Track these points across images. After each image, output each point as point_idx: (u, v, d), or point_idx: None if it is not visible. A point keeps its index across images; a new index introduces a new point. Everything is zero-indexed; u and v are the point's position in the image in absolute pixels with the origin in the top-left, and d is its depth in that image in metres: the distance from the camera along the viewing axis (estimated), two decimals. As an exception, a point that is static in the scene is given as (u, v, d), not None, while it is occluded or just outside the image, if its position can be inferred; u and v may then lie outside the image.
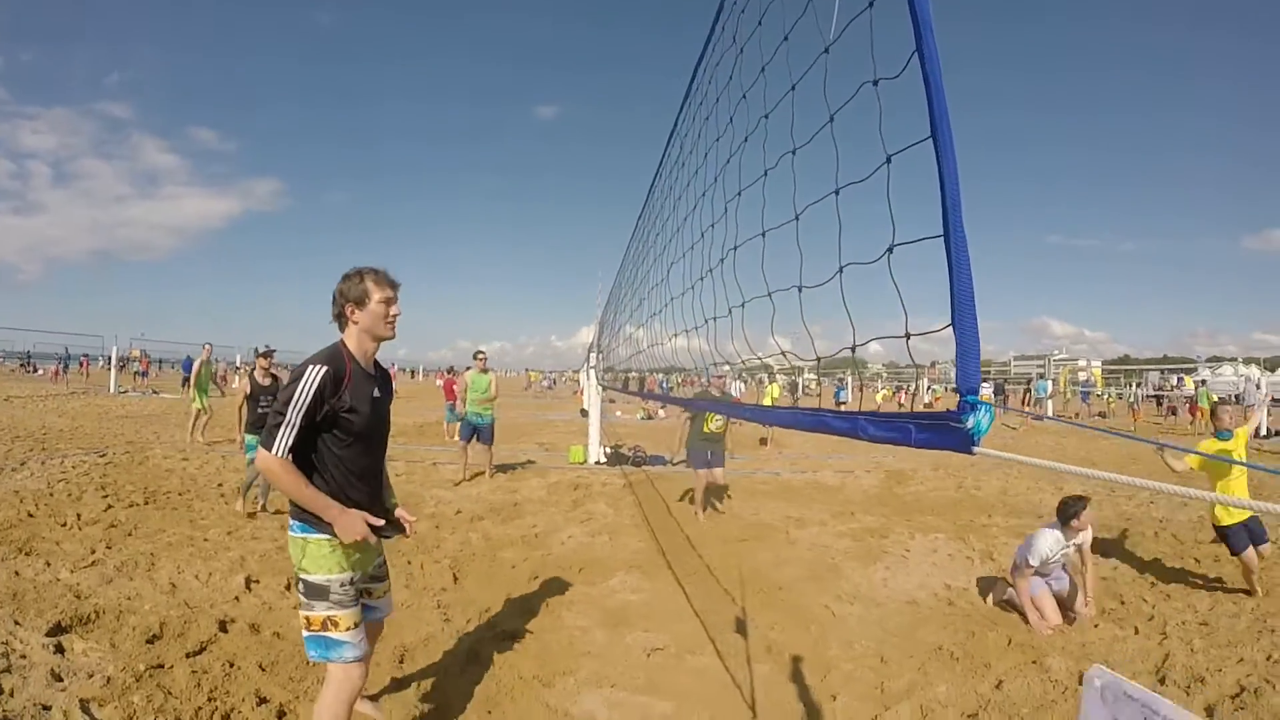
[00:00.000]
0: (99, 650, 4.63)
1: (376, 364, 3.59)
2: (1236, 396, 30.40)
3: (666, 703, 4.48)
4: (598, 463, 14.74)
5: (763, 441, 19.33)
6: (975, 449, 1.60)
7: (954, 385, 1.65)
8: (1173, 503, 10.66)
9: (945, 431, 1.69)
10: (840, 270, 2.33)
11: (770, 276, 2.93)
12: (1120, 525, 9.52)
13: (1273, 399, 35.04)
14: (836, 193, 2.39)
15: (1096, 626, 5.97)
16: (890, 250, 2.01)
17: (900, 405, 32.50)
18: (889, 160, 2.08)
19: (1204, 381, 35.47)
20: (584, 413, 20.95)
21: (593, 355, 16.70)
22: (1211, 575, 7.39)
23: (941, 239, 1.67)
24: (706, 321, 4.06)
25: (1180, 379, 55.63)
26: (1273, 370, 52.92)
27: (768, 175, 3.02)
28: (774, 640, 5.48)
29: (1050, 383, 44.18)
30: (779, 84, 2.89)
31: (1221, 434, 7.03)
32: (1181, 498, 1.88)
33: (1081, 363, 74.99)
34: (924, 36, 1.75)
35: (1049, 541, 6.05)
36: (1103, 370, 67.30)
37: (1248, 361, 63.21)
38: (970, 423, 1.61)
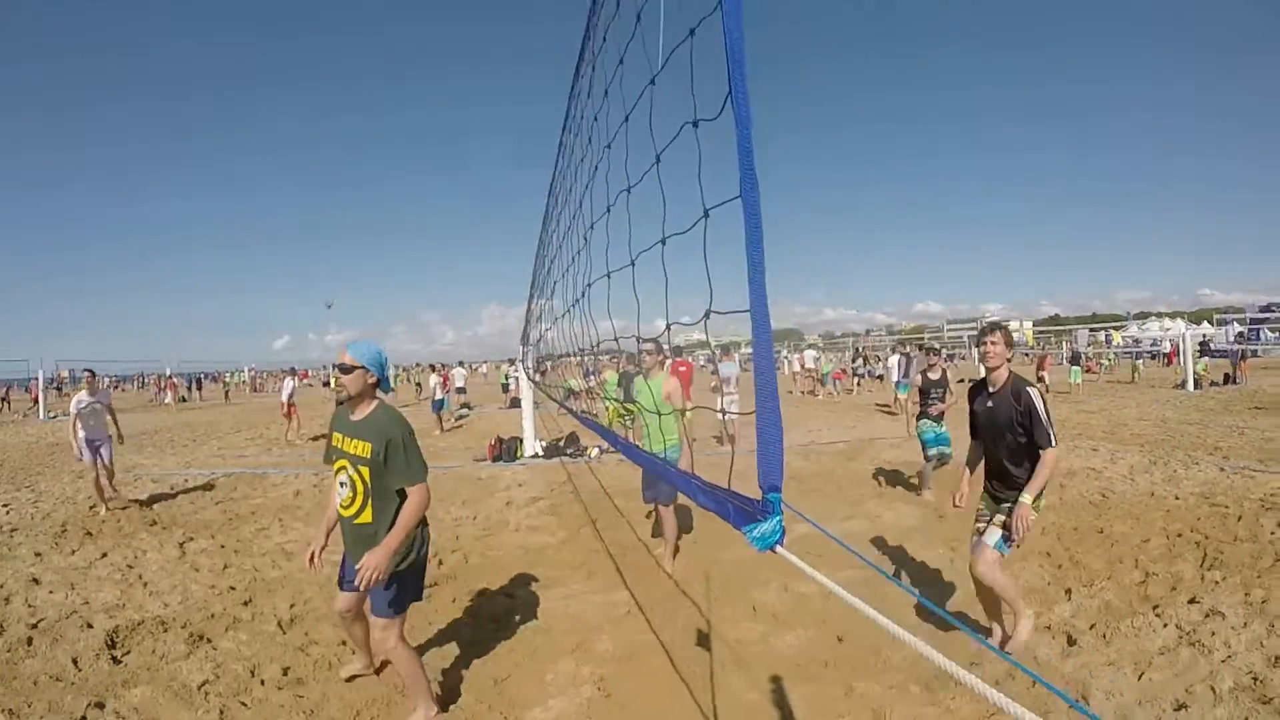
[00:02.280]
0: None
1: None
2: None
3: None
4: (534, 456, 14.61)
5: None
6: (778, 549, 1.59)
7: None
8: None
9: (751, 521, 1.65)
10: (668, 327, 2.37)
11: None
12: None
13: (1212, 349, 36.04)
14: (663, 242, 2.46)
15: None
16: (707, 314, 2.06)
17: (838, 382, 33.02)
18: (706, 214, 2.11)
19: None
20: (515, 402, 21.20)
21: (521, 347, 16.61)
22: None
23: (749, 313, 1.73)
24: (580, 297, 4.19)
25: (1109, 335, 57.22)
26: (1198, 323, 54.34)
27: (610, 211, 3.09)
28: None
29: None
30: (618, 109, 3.04)
31: None
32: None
33: (1014, 323, 76.80)
34: (736, 83, 1.74)
35: None
36: (1034, 330, 69.07)
37: (1174, 315, 64.90)
38: (760, 530, 1.59)
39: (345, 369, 4.16)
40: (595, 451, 14.51)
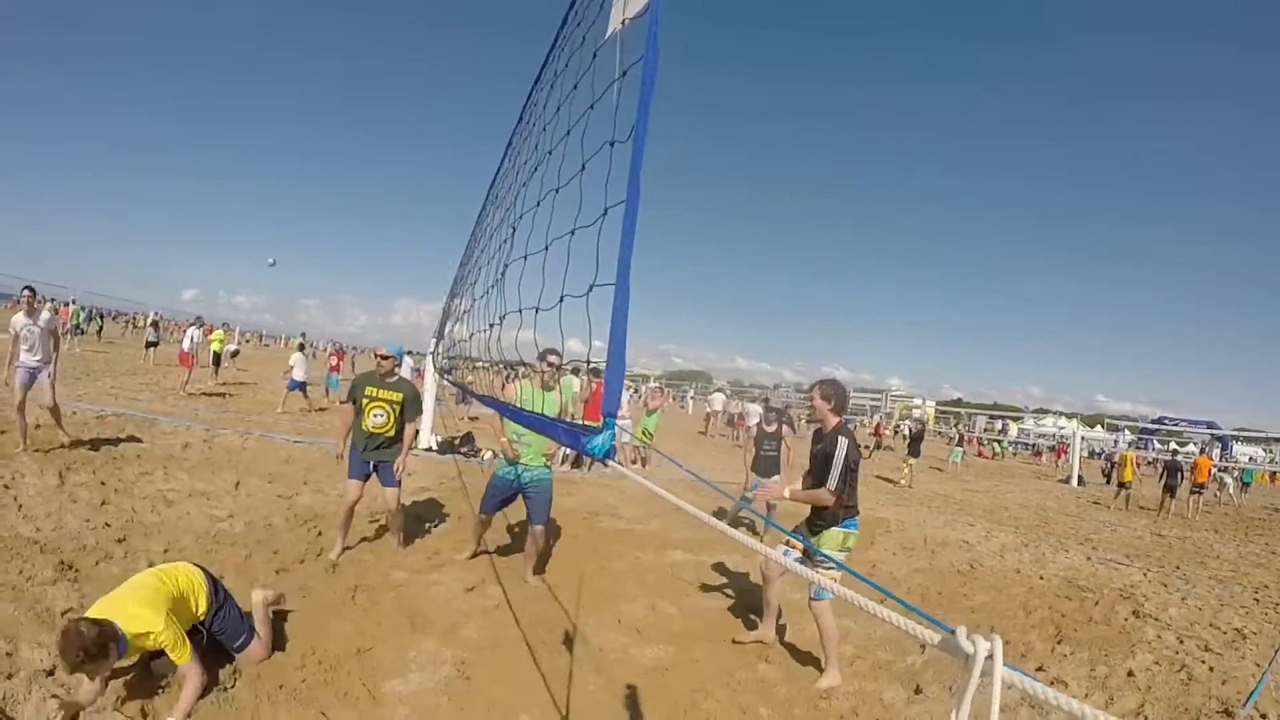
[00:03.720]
0: None
1: None
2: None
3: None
4: (428, 449, 14.56)
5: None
6: (610, 462, 2.02)
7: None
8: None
9: (586, 441, 2.05)
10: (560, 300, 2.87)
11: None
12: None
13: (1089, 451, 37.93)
14: (572, 233, 2.89)
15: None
16: (591, 288, 2.51)
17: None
18: (605, 212, 2.51)
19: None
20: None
21: (433, 341, 16.50)
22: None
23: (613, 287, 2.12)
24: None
25: (1005, 424, 59.06)
26: (1091, 426, 56.16)
27: (539, 205, 3.45)
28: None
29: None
30: (562, 130, 3.42)
31: None
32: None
33: (916, 400, 78.43)
34: (642, 115, 2.15)
35: None
36: (936, 410, 70.75)
37: (1070, 416, 66.93)
38: (596, 441, 2.01)
39: (384, 357, 7.16)
40: (489, 455, 14.39)
